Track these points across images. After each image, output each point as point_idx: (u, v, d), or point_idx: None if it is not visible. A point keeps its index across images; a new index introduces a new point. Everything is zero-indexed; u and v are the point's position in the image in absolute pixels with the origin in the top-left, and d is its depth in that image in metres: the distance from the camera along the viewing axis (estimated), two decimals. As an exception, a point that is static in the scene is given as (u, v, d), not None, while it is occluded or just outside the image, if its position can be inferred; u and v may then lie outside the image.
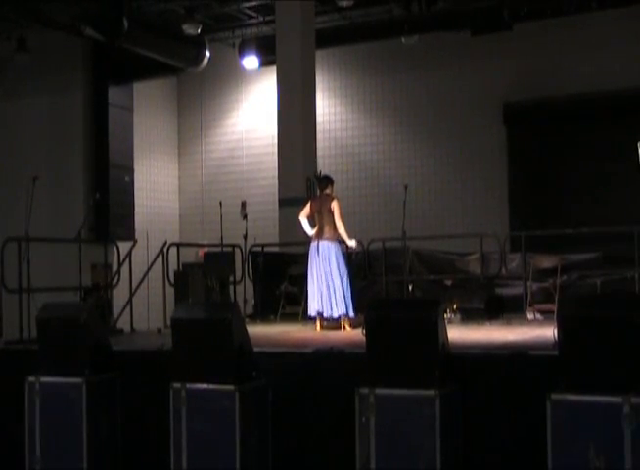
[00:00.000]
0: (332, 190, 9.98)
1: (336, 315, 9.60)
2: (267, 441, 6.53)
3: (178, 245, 11.93)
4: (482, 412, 6.06)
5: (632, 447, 5.08)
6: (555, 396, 5.34)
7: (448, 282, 11.40)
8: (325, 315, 9.61)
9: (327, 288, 9.54)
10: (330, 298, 9.54)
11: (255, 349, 6.64)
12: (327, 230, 9.69)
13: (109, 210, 16.25)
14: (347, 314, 9.61)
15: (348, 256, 10.29)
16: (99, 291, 12.04)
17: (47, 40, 16.17)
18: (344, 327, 9.59)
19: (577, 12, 14.23)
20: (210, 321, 6.49)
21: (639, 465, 5.07)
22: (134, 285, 10.51)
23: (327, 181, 10.05)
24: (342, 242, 9.88)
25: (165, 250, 10.82)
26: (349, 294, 9.65)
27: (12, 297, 8.88)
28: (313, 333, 9.44)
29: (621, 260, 10.35)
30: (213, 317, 6.52)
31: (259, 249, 12.28)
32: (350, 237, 9.84)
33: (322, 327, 9.65)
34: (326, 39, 15.31)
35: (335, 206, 9.71)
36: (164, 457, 6.46)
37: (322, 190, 10.05)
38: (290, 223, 13.53)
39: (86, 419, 6.79)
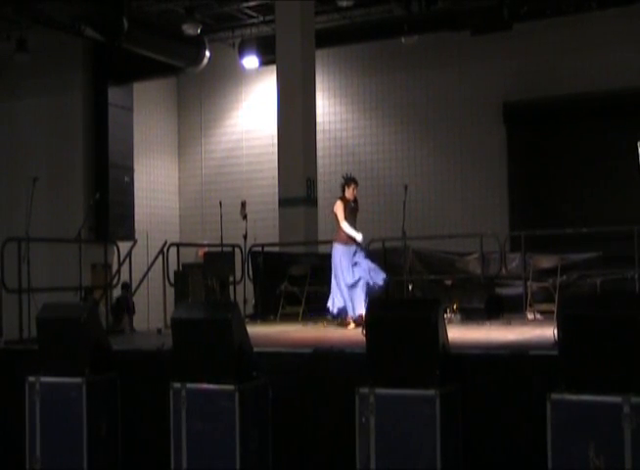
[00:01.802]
0: (345, 192, 9.88)
1: (335, 312, 9.76)
2: (267, 441, 6.52)
3: (178, 245, 11.92)
4: (482, 412, 6.06)
5: (632, 447, 5.08)
6: (555, 395, 5.34)
7: (448, 282, 11.39)
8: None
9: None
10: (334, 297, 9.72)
11: (255, 349, 6.64)
12: (336, 232, 9.83)
13: (109, 210, 16.27)
14: (340, 314, 9.75)
15: None
16: (127, 290, 12.11)
17: (47, 40, 16.20)
18: (348, 324, 9.64)
19: (577, 12, 14.24)
20: (210, 321, 6.49)
21: (639, 465, 5.08)
22: (134, 285, 10.51)
23: (342, 184, 9.99)
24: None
25: (165, 250, 10.81)
26: (348, 294, 9.65)
27: (12, 297, 8.88)
28: (313, 333, 9.42)
29: (621, 260, 10.35)
30: (213, 317, 6.52)
31: (259, 249, 12.27)
32: (357, 231, 9.80)
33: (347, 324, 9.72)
34: (326, 39, 15.32)
35: (335, 207, 9.78)
36: (164, 457, 6.46)
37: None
38: (290, 223, 13.55)
39: (86, 419, 6.79)
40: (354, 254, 9.69)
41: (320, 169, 14.74)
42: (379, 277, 9.65)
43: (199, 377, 6.34)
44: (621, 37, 15.14)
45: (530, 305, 10.32)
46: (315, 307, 11.04)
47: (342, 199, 9.82)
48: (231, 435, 6.14)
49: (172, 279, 11.03)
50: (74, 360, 6.95)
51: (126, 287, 12.37)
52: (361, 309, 9.52)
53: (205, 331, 6.43)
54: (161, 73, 17.42)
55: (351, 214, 9.75)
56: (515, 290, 10.89)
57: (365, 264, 9.66)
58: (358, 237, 9.73)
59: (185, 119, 19.55)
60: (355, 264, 9.66)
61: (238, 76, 18.68)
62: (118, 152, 16.92)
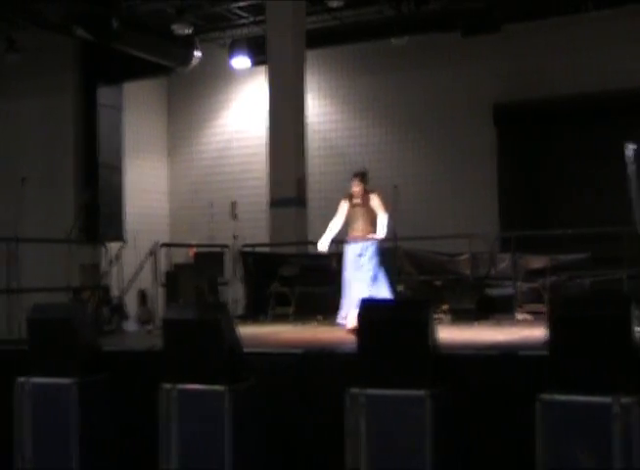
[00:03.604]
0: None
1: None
2: (258, 441, 6.52)
3: (168, 245, 11.91)
4: (472, 413, 6.07)
5: (621, 448, 5.10)
6: (544, 396, 5.35)
7: (438, 283, 11.42)
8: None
9: None
10: None
11: (246, 349, 6.65)
12: None
13: (98, 210, 16.22)
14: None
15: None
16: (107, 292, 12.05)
17: (37, 40, 16.14)
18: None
19: (567, 13, 14.29)
20: (201, 322, 6.49)
21: (628, 465, 5.10)
22: (124, 286, 10.50)
23: None
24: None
25: (156, 250, 10.81)
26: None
27: (1, 297, 8.87)
28: (304, 333, 9.41)
29: (610, 261, 10.39)
30: (204, 318, 6.52)
31: (250, 249, 12.28)
32: (351, 228, 9.27)
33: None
34: (316, 40, 15.32)
35: None
36: (155, 458, 6.45)
37: None
38: (280, 224, 13.55)
39: (77, 420, 6.78)
40: (359, 255, 9.03)
41: (310, 170, 14.75)
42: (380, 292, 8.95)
43: (189, 378, 6.33)
44: (612, 39, 15.17)
45: (520, 306, 10.37)
46: (306, 308, 11.05)
47: (346, 195, 9.41)
48: (222, 436, 6.14)
49: (163, 280, 11.03)
50: (65, 361, 6.93)
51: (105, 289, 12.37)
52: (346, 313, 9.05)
53: (196, 332, 6.42)
54: (152, 74, 17.39)
55: (351, 210, 9.21)
56: (505, 290, 10.93)
57: (365, 274, 8.97)
58: (319, 244, 9.28)
59: (175, 120, 19.52)
60: (357, 268, 9.05)
61: (228, 77, 18.67)
62: (108, 152, 16.88)
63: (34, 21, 14.12)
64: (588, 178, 15.14)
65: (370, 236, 9.09)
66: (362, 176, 9.29)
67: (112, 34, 14.32)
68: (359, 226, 9.12)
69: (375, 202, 9.20)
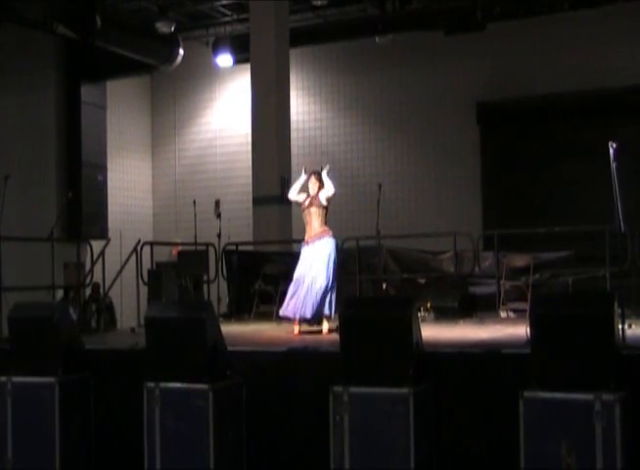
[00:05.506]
0: None
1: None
2: (241, 439, 6.52)
3: (152, 244, 11.86)
4: (456, 410, 6.09)
5: (603, 445, 5.13)
6: (527, 393, 5.38)
7: (422, 281, 11.42)
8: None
9: None
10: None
11: (230, 347, 6.64)
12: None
13: (81, 208, 16.15)
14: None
15: None
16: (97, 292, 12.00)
17: (18, 38, 16.03)
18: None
19: (550, 12, 14.33)
20: (184, 320, 6.47)
21: (610, 462, 5.13)
22: (107, 284, 10.44)
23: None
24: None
25: (139, 249, 10.76)
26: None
27: (-17, 296, 8.80)
28: (286, 332, 9.39)
29: (593, 259, 10.42)
30: (187, 316, 6.51)
31: (233, 247, 12.25)
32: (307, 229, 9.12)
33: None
34: (300, 38, 15.32)
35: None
36: (138, 457, 6.43)
37: None
38: (264, 222, 13.53)
39: (59, 419, 6.75)
40: (313, 258, 8.84)
41: (294, 168, 14.70)
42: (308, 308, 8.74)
43: (172, 376, 6.32)
44: (593, 38, 15.24)
45: (503, 304, 10.38)
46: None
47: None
48: (205, 434, 6.13)
49: (146, 278, 10.98)
50: (47, 360, 6.91)
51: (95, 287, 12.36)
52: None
53: (179, 330, 6.41)
54: (135, 71, 17.32)
55: (306, 212, 9.05)
56: (488, 288, 10.94)
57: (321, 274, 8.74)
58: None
59: (159, 118, 19.46)
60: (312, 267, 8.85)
61: (212, 75, 18.63)
62: (91, 150, 16.80)
63: (15, 18, 14.02)
64: (571, 176, 15.20)
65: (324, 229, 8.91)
66: (320, 175, 9.04)
67: (94, 32, 14.25)
68: (315, 226, 8.92)
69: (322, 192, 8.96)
